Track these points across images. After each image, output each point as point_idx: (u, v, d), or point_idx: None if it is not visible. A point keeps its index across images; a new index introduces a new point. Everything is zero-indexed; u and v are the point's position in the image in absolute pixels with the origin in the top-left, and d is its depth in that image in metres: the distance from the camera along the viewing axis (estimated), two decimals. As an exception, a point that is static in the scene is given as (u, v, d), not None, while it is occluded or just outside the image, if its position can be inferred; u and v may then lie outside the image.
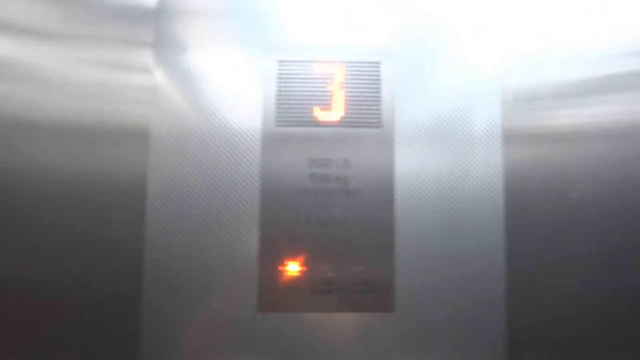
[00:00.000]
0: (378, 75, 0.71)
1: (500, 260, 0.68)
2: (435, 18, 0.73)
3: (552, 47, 0.72)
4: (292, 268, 0.68)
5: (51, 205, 0.64)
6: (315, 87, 0.70)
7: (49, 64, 0.67)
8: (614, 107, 0.70)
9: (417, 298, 0.68)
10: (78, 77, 0.67)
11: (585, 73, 0.71)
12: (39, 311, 0.63)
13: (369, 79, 0.71)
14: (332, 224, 0.68)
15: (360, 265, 0.68)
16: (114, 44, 0.69)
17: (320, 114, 0.70)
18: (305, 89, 0.70)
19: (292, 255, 0.68)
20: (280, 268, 0.68)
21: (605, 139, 0.69)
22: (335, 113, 0.70)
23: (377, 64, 0.71)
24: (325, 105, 0.70)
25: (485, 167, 0.70)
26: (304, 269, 0.68)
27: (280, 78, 0.71)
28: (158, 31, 0.70)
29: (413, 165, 0.70)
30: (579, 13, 0.72)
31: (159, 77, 0.70)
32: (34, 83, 0.66)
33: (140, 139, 0.68)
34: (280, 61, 0.71)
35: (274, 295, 0.67)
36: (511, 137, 0.70)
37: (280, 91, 0.70)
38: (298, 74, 0.71)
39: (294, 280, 0.67)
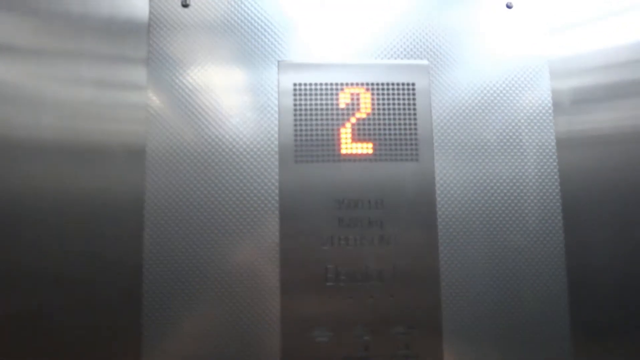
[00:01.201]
0: (413, 98, 0.60)
1: (564, 306, 0.58)
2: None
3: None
4: (321, 333, 0.56)
5: (40, 229, 0.54)
6: (339, 114, 0.59)
7: (34, 83, 0.56)
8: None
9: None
10: (66, 96, 0.57)
11: None
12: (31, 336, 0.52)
13: (402, 103, 0.60)
14: (366, 278, 0.57)
15: (401, 325, 0.57)
16: (103, 60, 0.59)
17: (346, 147, 0.59)
18: (327, 117, 0.59)
19: (320, 318, 0.56)
20: (306, 335, 0.56)
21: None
22: (364, 145, 0.59)
23: (411, 85, 0.60)
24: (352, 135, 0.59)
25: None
26: (335, 333, 0.56)
27: (297, 104, 0.59)
28: (151, 47, 0.60)
29: (458, 201, 0.59)
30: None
31: (154, 94, 0.59)
32: (17, 103, 0.55)
33: (135, 159, 0.58)
34: (297, 84, 0.60)
35: (301, 368, 0.56)
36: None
37: (297, 120, 0.59)
38: (318, 97, 0.59)
39: (324, 349, 0.56)
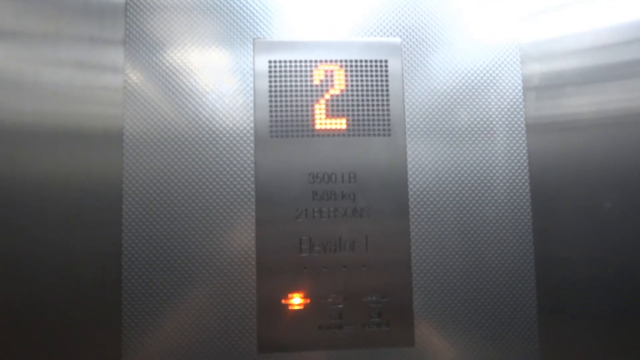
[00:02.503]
0: (386, 74, 0.62)
1: (532, 283, 0.60)
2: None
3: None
4: (296, 301, 0.59)
5: (16, 216, 0.55)
6: (313, 91, 0.61)
7: (5, 64, 0.57)
8: None
9: (439, 329, 0.59)
10: (39, 78, 0.58)
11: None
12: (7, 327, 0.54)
13: (375, 79, 0.62)
14: (339, 249, 0.59)
15: (373, 294, 0.59)
16: (81, 42, 0.60)
17: (320, 122, 0.61)
18: (302, 93, 0.61)
19: (295, 287, 0.59)
20: (282, 302, 0.58)
21: None
22: (337, 120, 0.61)
23: (384, 62, 0.62)
24: (326, 111, 0.61)
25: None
26: (309, 301, 0.59)
27: (272, 81, 0.61)
28: (129, 28, 0.61)
29: (429, 175, 0.61)
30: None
31: (131, 76, 0.60)
32: None
33: (113, 142, 0.59)
34: (272, 61, 0.61)
35: (277, 334, 0.58)
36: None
37: (273, 96, 0.61)
38: (292, 74, 0.61)
39: (299, 316, 0.58)
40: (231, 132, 0.60)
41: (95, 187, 0.57)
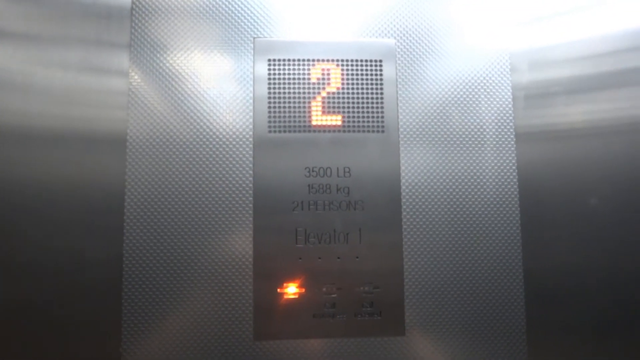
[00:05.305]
0: (380, 73, 0.64)
1: (519, 275, 0.63)
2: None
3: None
4: (291, 290, 0.61)
5: (22, 219, 0.56)
6: (311, 88, 0.64)
7: (12, 66, 0.59)
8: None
9: (429, 319, 0.62)
10: (46, 80, 0.59)
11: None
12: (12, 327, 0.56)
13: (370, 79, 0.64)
14: (333, 240, 0.62)
15: (366, 284, 0.61)
16: (87, 46, 0.61)
17: (317, 118, 0.63)
18: (299, 90, 0.63)
19: (290, 277, 0.61)
20: (277, 291, 0.60)
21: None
22: (333, 117, 0.63)
23: (379, 62, 0.65)
24: (323, 109, 0.63)
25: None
26: (304, 291, 0.61)
27: (271, 78, 0.63)
28: (134, 31, 0.63)
29: (421, 172, 0.64)
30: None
31: (136, 79, 0.62)
32: (5, 88, 0.58)
33: (117, 145, 0.61)
34: (271, 60, 0.64)
35: (272, 322, 0.60)
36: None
37: (271, 93, 0.63)
38: (290, 72, 0.64)
39: (293, 304, 0.60)
40: (231, 129, 0.62)
41: (98, 190, 0.59)
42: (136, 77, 0.62)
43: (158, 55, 0.63)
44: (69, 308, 0.57)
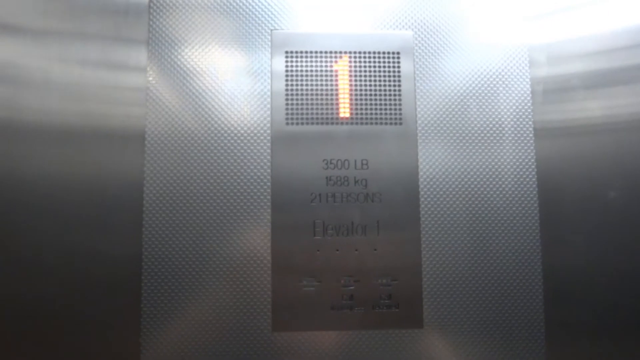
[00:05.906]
0: (398, 65, 0.64)
1: (538, 271, 0.62)
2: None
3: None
4: (309, 282, 0.61)
5: (39, 216, 0.57)
6: (328, 80, 0.64)
7: (31, 63, 0.60)
8: None
9: (447, 312, 0.61)
10: (63, 77, 0.60)
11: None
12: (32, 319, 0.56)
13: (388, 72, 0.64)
14: (351, 232, 0.62)
15: (384, 277, 0.61)
16: (105, 42, 0.62)
17: (335, 111, 0.63)
18: (317, 83, 0.63)
19: (308, 269, 0.61)
20: (295, 283, 0.61)
21: None
22: (351, 109, 0.63)
23: (396, 54, 0.64)
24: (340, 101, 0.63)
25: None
26: (322, 283, 0.61)
27: (288, 70, 0.64)
28: (152, 27, 0.63)
29: (438, 165, 0.63)
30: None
31: (153, 75, 0.63)
32: (13, 83, 0.59)
33: (135, 142, 0.61)
34: (288, 52, 0.64)
35: (290, 314, 0.60)
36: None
37: (289, 86, 0.63)
38: (308, 64, 0.64)
39: (311, 296, 0.61)
40: (248, 123, 0.63)
41: (117, 187, 0.60)
42: (154, 73, 0.63)
43: (175, 50, 0.63)
44: (86, 307, 0.57)
